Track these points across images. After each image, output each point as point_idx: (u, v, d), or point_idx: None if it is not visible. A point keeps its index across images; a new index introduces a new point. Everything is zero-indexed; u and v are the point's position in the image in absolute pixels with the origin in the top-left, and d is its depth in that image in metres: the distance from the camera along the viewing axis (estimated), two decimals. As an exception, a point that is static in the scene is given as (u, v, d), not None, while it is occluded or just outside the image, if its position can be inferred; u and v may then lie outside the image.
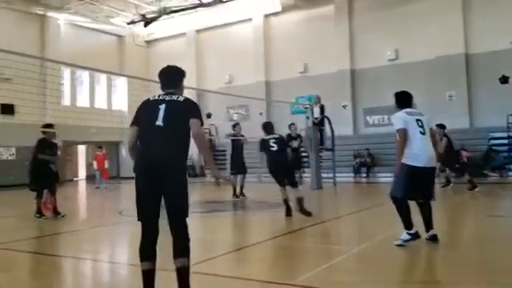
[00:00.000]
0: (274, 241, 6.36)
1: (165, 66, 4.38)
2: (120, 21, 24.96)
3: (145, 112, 3.91)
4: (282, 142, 8.73)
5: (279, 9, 22.34)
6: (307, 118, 14.82)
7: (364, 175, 19.17)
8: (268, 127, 8.81)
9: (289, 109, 19.89)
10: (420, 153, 5.31)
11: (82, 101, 24.22)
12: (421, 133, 5.37)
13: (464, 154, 15.62)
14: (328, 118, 15.21)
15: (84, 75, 24.42)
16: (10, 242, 6.60)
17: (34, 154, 8.77)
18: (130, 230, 7.38)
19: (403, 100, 5.74)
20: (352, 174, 19.09)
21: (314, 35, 21.71)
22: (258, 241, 6.28)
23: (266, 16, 23.24)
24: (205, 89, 23.62)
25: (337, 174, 15.38)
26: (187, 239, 3.61)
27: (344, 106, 20.90)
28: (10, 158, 19.50)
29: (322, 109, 15.11)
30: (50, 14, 22.37)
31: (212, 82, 24.09)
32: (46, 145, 8.88)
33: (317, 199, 12.01)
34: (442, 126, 12.00)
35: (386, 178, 17.95)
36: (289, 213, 8.21)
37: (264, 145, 8.53)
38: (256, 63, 23.29)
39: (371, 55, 20.33)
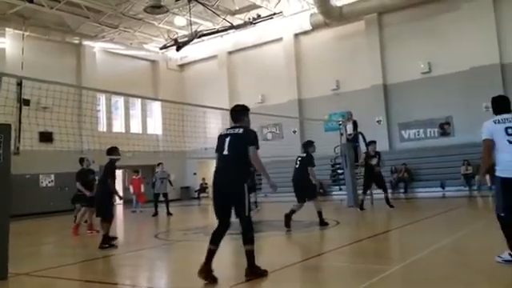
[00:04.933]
0: (311, 261, 6.18)
1: (234, 104, 5.85)
2: (153, 46, 25.60)
3: (218, 143, 5.33)
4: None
5: (309, 27, 22.35)
6: (341, 134, 14.64)
7: (402, 191, 18.65)
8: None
9: (322, 126, 19.72)
10: (509, 163, 4.98)
11: (118, 126, 24.78)
12: (509, 141, 5.01)
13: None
14: (362, 134, 14.95)
15: (119, 101, 25.04)
16: (49, 268, 6.67)
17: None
18: (167, 254, 7.38)
19: (495, 106, 5.35)
20: (390, 190, 18.57)
21: (345, 52, 21.59)
22: (293, 262, 6.11)
23: (297, 35, 23.30)
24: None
25: (374, 191, 14.98)
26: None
27: (378, 122, 20.55)
28: (49, 184, 20.06)
29: (355, 125, 14.88)
30: (86, 42, 23.19)
31: (244, 102, 23.42)
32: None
33: (354, 217, 11.72)
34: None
35: (424, 193, 17.47)
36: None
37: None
38: (288, 82, 23.30)
39: (404, 69, 19.99)
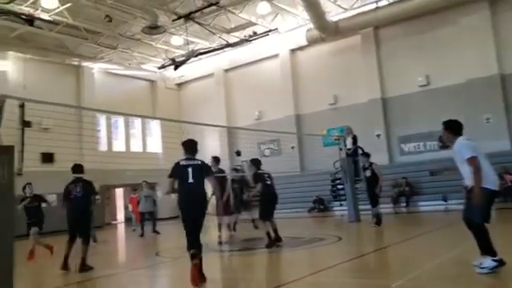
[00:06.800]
0: (313, 277, 6.17)
1: (187, 139, 6.68)
2: (151, 66, 25.82)
3: (180, 172, 6.28)
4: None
5: (305, 43, 22.57)
6: (340, 149, 14.68)
7: (404, 205, 18.62)
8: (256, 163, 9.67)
9: (321, 141, 19.78)
10: (494, 176, 5.44)
11: (118, 145, 24.84)
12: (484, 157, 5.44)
13: (509, 177, 15.19)
14: (362, 149, 15.01)
15: (119, 120, 25.15)
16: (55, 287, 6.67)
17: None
18: (168, 271, 7.37)
19: (459, 127, 5.73)
20: (391, 205, 18.57)
21: (341, 66, 21.75)
22: (298, 277, 6.11)
23: (293, 51, 23.51)
24: (235, 126, 23.91)
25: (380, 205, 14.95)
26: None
27: (378, 136, 20.62)
28: (51, 204, 19.88)
29: (355, 139, 14.93)
30: (85, 64, 23.35)
31: (242, 119, 24.37)
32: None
33: (355, 232, 11.70)
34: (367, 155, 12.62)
35: (426, 206, 17.44)
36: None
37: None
38: (285, 97, 23.43)
39: (402, 82, 20.12)
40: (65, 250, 8.01)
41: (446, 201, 17.43)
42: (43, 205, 10.59)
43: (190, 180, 6.17)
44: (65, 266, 7.95)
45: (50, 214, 10.77)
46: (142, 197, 15.78)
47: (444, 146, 19.05)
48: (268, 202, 9.42)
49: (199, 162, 6.38)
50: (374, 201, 11.99)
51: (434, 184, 18.00)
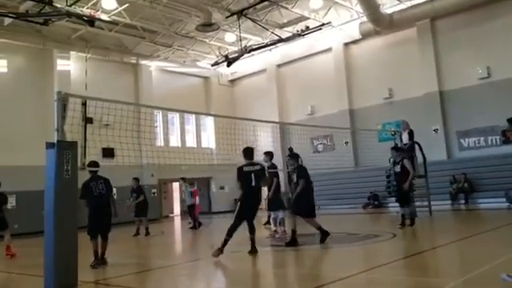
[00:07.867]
0: (366, 274, 6.11)
1: (246, 147, 8.50)
2: (205, 63, 26.30)
3: (245, 176, 8.07)
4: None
5: (359, 36, 22.17)
6: (396, 144, 14.31)
7: (463, 202, 17.92)
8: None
9: (376, 136, 19.40)
10: None
11: (174, 141, 25.55)
12: None
13: None
14: (418, 144, 14.55)
15: (175, 117, 25.84)
16: (113, 277, 7.00)
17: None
18: (222, 263, 7.54)
19: None
20: (449, 202, 17.93)
21: (397, 60, 21.19)
22: (351, 274, 6.07)
23: (346, 44, 23.16)
24: (288, 122, 23.90)
25: (432, 202, 14.50)
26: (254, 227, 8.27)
27: (435, 130, 19.93)
28: (112, 197, 20.88)
29: (411, 134, 14.49)
30: (142, 62, 24.19)
31: (294, 114, 24.33)
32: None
33: (411, 229, 11.41)
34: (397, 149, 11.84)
35: (487, 204, 16.70)
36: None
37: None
38: (338, 92, 23.15)
39: (460, 75, 19.32)
40: (93, 247, 7.88)
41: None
42: None
43: (253, 184, 7.95)
44: (98, 262, 7.76)
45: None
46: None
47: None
48: (311, 197, 9.16)
49: (258, 168, 8.14)
50: (404, 199, 11.32)
51: (495, 181, 17.24)
